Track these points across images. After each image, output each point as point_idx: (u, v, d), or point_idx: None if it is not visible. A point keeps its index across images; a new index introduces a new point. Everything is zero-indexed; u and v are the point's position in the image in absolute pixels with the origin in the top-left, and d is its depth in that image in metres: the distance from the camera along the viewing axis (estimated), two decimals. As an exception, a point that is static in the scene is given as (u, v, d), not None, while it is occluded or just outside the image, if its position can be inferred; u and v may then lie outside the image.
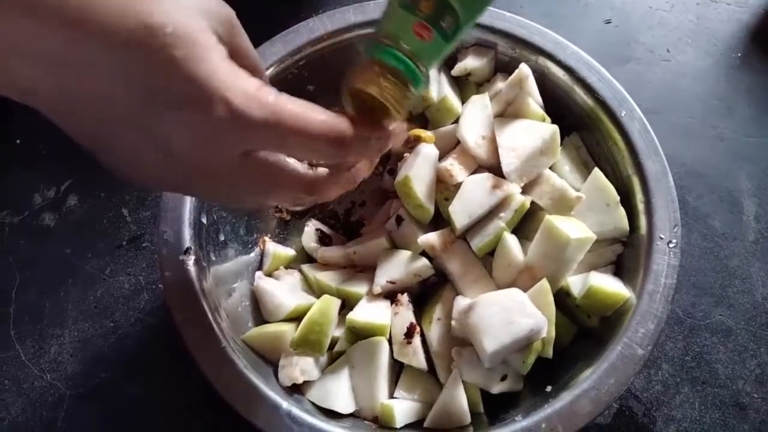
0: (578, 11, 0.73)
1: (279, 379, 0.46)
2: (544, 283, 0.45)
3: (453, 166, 0.50)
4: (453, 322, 0.46)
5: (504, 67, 0.56)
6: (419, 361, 0.46)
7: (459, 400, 0.44)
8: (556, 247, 0.45)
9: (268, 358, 0.48)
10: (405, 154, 0.53)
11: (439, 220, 0.52)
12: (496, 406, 0.46)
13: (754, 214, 0.61)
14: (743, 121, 0.66)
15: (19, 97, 0.29)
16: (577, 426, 0.40)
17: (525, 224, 0.50)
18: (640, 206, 0.48)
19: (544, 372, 0.45)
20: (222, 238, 0.52)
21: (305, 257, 0.56)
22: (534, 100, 0.52)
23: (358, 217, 0.59)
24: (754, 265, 0.58)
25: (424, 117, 0.57)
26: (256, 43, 0.37)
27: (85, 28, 0.26)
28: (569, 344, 0.48)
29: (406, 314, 0.48)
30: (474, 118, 0.52)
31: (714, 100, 0.67)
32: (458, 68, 0.55)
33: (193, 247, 0.47)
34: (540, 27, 0.54)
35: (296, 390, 0.46)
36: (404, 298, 0.49)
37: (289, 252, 0.55)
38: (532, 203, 0.50)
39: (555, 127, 0.50)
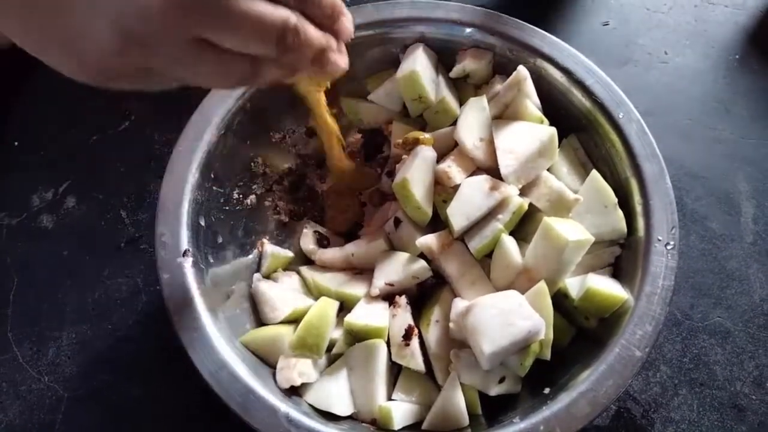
0: (576, 13, 0.74)
1: (277, 381, 0.46)
2: (542, 285, 0.45)
3: (451, 168, 0.50)
4: (451, 324, 0.46)
5: (502, 69, 0.56)
6: (417, 363, 0.46)
7: (457, 402, 0.44)
8: (554, 249, 0.45)
9: (267, 361, 0.48)
10: (403, 156, 0.53)
11: (438, 222, 0.52)
12: (494, 408, 0.46)
13: (751, 216, 0.61)
14: (741, 123, 0.66)
15: None
16: (575, 428, 0.40)
17: (523, 226, 0.50)
18: (638, 208, 0.48)
19: (542, 374, 0.45)
20: (220, 240, 0.52)
21: (303, 259, 0.56)
22: (532, 102, 0.52)
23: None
24: (752, 266, 0.58)
25: (422, 119, 0.57)
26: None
27: None
28: (567, 346, 0.48)
29: (404, 316, 0.48)
30: (472, 120, 0.52)
31: (712, 101, 0.68)
32: (456, 70, 0.56)
33: (191, 249, 0.47)
34: (538, 29, 0.54)
35: (294, 392, 0.46)
36: (402, 300, 0.49)
37: (287, 254, 0.55)
38: (530, 205, 0.50)
39: (553, 129, 0.50)
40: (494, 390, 0.45)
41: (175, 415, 0.52)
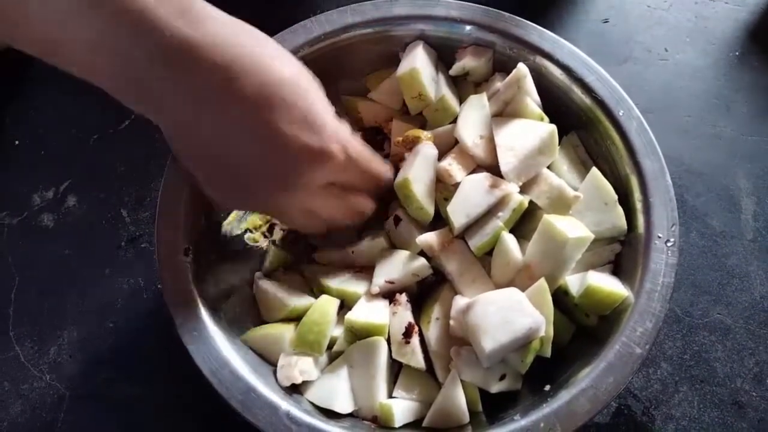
0: (576, 11, 0.73)
1: (278, 379, 0.46)
2: (542, 283, 0.45)
3: (451, 165, 0.50)
4: (451, 322, 0.46)
5: (502, 67, 0.56)
6: (418, 360, 0.46)
7: (457, 399, 0.44)
8: (555, 247, 0.45)
9: (268, 359, 0.48)
10: (406, 154, 0.53)
11: (438, 220, 0.52)
12: (494, 406, 0.46)
13: (752, 213, 0.61)
14: (741, 120, 0.66)
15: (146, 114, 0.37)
16: (576, 425, 0.40)
17: (523, 224, 0.50)
18: (638, 205, 0.48)
19: (543, 371, 0.45)
20: (221, 238, 0.52)
21: (305, 257, 0.56)
22: (532, 100, 0.52)
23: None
24: (753, 263, 0.58)
25: (422, 117, 0.57)
26: (254, 44, 0.37)
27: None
28: (568, 343, 0.48)
29: (404, 314, 0.48)
30: (472, 117, 0.52)
31: (712, 98, 0.67)
32: (456, 68, 0.55)
33: (191, 248, 0.47)
34: (538, 26, 0.54)
35: (295, 390, 0.46)
36: (402, 297, 0.49)
37: (288, 252, 0.55)
38: (531, 202, 0.50)
39: (553, 127, 0.50)
40: (495, 387, 0.45)
41: (176, 413, 0.53)
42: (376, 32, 0.56)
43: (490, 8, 0.55)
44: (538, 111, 0.52)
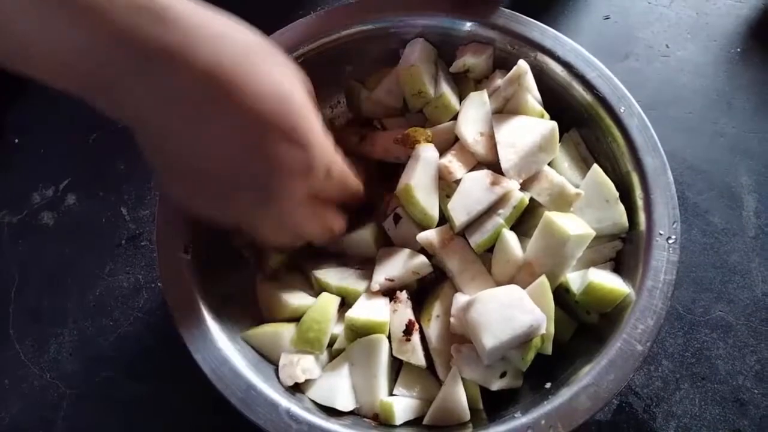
0: (577, 7, 0.73)
1: (280, 378, 0.46)
2: (543, 280, 0.45)
3: (452, 163, 0.50)
4: (452, 319, 0.46)
5: (502, 64, 0.55)
6: (418, 358, 0.46)
7: (458, 397, 0.44)
8: (556, 244, 0.45)
9: (268, 357, 0.48)
10: (405, 155, 0.52)
11: (438, 217, 0.52)
12: (495, 403, 0.46)
13: (753, 210, 0.61)
14: (743, 117, 0.66)
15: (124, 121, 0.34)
16: (577, 422, 0.40)
17: (524, 221, 0.50)
18: (640, 202, 0.48)
19: (544, 368, 0.45)
20: (221, 236, 0.52)
21: (305, 255, 0.56)
22: (533, 97, 0.52)
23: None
24: (754, 260, 0.58)
25: (422, 114, 0.57)
26: (253, 41, 0.37)
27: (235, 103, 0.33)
28: (568, 340, 0.48)
29: (404, 311, 0.48)
30: (472, 114, 0.52)
31: (713, 95, 0.67)
32: (456, 65, 0.55)
33: (191, 245, 0.47)
34: (538, 23, 0.54)
35: (296, 388, 0.46)
36: (403, 295, 0.48)
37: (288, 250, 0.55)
38: (531, 200, 0.49)
39: (554, 124, 0.50)
40: (495, 385, 0.45)
41: (176, 412, 0.53)
42: (376, 30, 0.56)
43: (491, 5, 0.55)
44: (539, 108, 0.52)
